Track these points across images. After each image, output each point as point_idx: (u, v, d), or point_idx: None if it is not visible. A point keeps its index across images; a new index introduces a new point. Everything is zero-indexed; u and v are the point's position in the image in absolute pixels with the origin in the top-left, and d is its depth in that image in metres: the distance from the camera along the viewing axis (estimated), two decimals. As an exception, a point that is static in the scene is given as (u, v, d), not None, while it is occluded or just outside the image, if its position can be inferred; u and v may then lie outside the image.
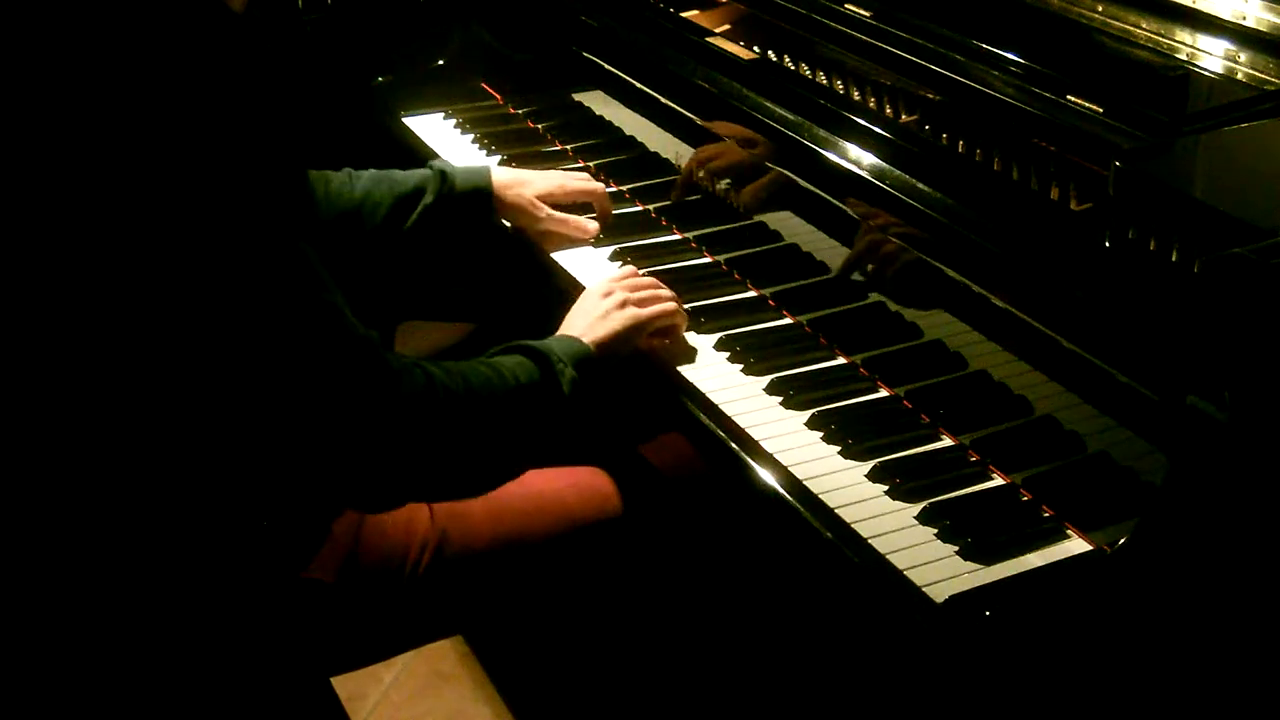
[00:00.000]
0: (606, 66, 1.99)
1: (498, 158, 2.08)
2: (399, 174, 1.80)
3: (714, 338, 1.61)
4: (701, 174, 1.82)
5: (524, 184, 1.84)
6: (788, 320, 1.66)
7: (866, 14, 1.73)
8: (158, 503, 1.23)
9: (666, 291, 1.61)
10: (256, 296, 1.12)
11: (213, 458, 1.23)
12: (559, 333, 1.51)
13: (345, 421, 1.18)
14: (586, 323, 1.52)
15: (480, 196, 1.81)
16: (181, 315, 1.12)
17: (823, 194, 1.59)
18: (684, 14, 1.99)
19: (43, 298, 1.13)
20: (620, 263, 1.79)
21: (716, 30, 1.92)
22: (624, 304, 1.55)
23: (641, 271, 1.75)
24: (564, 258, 1.83)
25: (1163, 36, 1.57)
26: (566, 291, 1.72)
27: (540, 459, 1.45)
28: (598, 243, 1.85)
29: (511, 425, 1.35)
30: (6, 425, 1.19)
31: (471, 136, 2.17)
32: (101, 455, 1.19)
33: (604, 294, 1.56)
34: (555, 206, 1.85)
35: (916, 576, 1.22)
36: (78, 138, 1.08)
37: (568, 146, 2.12)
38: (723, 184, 1.78)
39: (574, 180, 1.88)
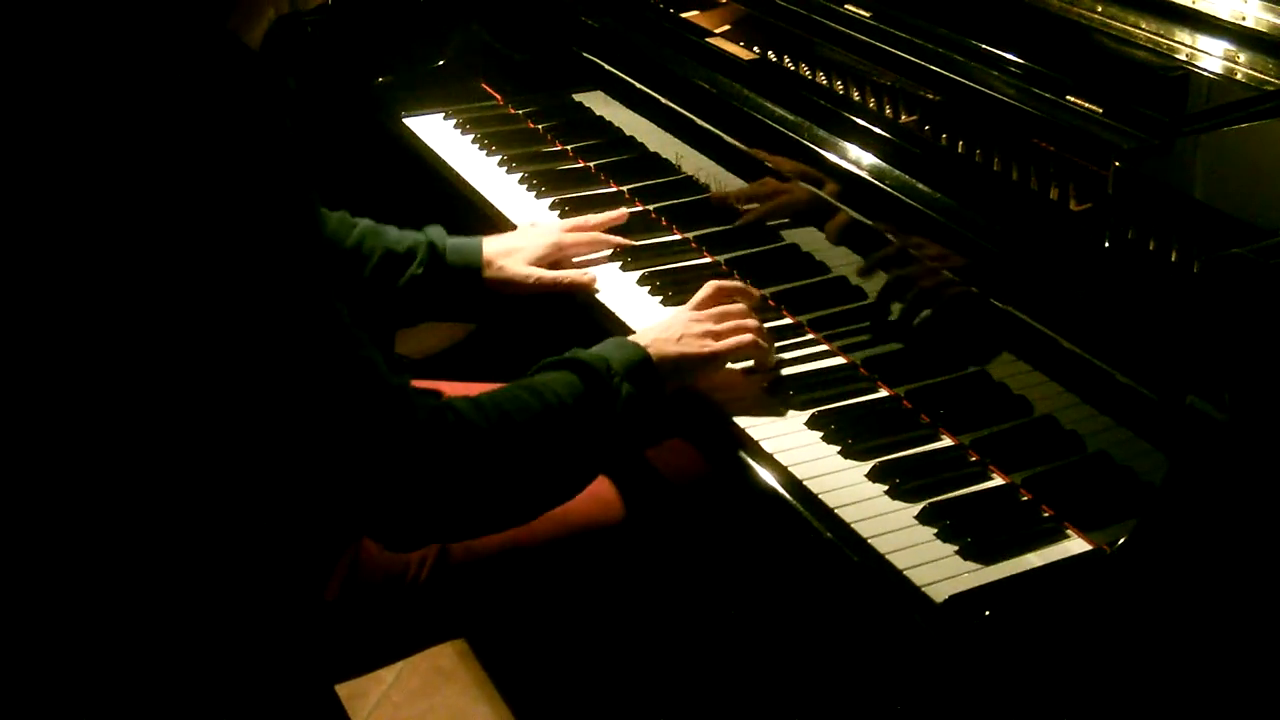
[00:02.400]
0: (606, 66, 1.99)
1: (497, 158, 2.08)
2: (393, 233, 1.74)
3: (714, 338, 1.61)
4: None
5: (511, 253, 1.76)
6: (787, 320, 1.66)
7: (866, 14, 1.73)
8: (179, 526, 1.25)
9: (753, 322, 1.53)
10: (295, 354, 1.14)
11: (252, 491, 1.26)
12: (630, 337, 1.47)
13: (375, 467, 1.19)
14: (657, 334, 1.47)
15: (469, 273, 1.75)
16: (223, 369, 1.14)
17: (822, 194, 1.59)
18: (684, 14, 1.99)
19: (88, 342, 1.15)
20: (620, 264, 1.79)
21: (716, 30, 1.92)
22: (704, 334, 1.49)
23: (641, 272, 1.76)
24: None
25: (1163, 37, 1.57)
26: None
27: (587, 481, 1.39)
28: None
29: (554, 452, 1.32)
30: (51, 449, 1.21)
31: (472, 137, 2.17)
32: (137, 479, 1.21)
33: (689, 318, 1.51)
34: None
35: (916, 576, 1.22)
36: (112, 207, 1.09)
37: (568, 146, 2.12)
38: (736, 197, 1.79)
39: (570, 237, 1.79)
